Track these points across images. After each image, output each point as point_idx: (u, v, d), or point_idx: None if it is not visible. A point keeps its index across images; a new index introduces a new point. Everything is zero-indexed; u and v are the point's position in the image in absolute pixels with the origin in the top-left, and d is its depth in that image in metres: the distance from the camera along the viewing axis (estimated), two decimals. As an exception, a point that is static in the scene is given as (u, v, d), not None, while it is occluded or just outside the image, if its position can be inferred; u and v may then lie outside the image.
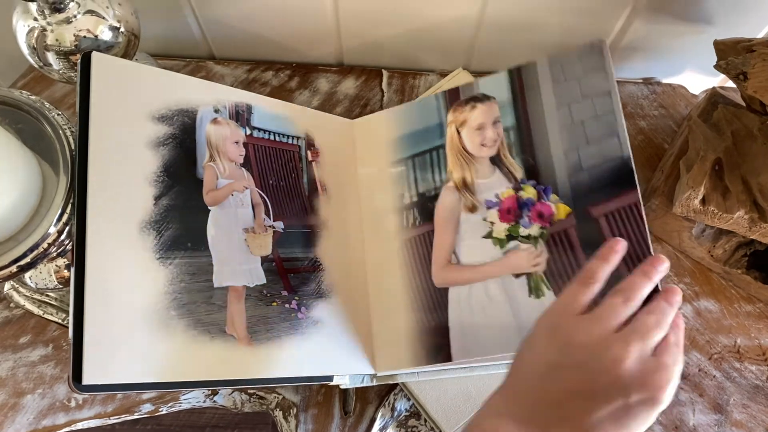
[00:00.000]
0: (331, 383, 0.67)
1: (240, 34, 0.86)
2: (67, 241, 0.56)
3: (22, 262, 0.53)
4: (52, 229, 0.54)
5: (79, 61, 0.56)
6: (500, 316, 0.64)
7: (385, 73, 0.91)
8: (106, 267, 0.54)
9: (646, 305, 0.49)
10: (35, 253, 0.53)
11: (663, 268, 0.51)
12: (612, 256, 0.52)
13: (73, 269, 0.53)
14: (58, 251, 0.56)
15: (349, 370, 0.67)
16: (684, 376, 0.75)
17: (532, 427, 0.44)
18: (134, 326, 0.55)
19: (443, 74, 0.90)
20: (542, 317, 0.50)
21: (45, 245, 0.53)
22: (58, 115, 0.56)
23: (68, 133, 0.56)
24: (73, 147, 0.56)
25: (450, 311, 0.67)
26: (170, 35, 0.87)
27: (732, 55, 0.70)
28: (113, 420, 0.74)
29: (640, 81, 0.93)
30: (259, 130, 0.68)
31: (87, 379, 0.51)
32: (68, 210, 0.54)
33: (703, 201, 0.69)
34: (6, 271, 0.53)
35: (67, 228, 0.55)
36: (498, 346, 0.64)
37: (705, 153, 0.71)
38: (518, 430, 0.44)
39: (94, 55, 0.57)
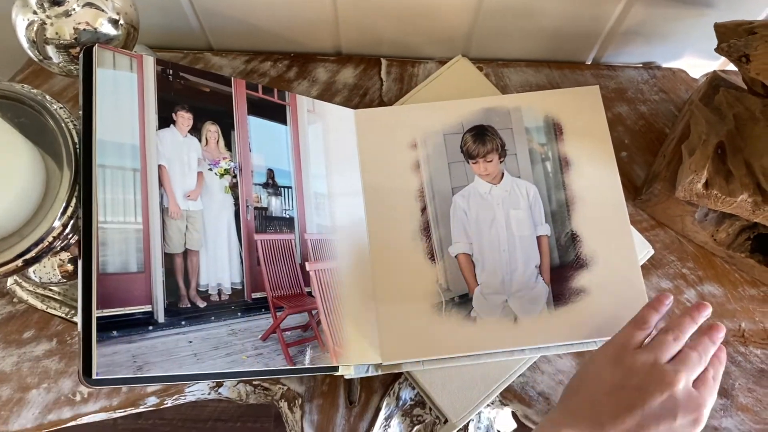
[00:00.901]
0: (336, 374, 0.67)
1: (237, 24, 0.86)
2: (71, 235, 0.56)
3: (27, 257, 0.52)
4: (57, 223, 0.53)
5: (81, 54, 0.55)
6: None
7: (383, 62, 0.91)
8: None
9: (691, 341, 0.60)
10: (40, 247, 0.53)
11: (707, 313, 0.62)
12: (662, 308, 0.63)
13: (80, 263, 0.52)
14: (63, 245, 0.56)
15: (355, 360, 0.67)
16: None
17: None
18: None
19: (442, 62, 0.89)
20: (604, 349, 0.61)
21: (50, 239, 0.53)
22: (60, 108, 0.56)
23: (71, 126, 0.56)
24: (76, 140, 0.56)
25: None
26: (168, 27, 0.86)
27: (733, 37, 0.70)
28: (118, 413, 0.74)
29: (640, 66, 0.92)
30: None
31: (98, 373, 0.50)
32: (72, 203, 0.54)
33: (706, 185, 0.69)
34: (11, 266, 0.52)
35: (72, 222, 0.55)
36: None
37: (707, 137, 0.71)
38: None
39: (97, 48, 0.57)
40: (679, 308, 0.77)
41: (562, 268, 0.73)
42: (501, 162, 0.76)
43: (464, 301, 0.71)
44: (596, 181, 0.75)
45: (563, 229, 0.74)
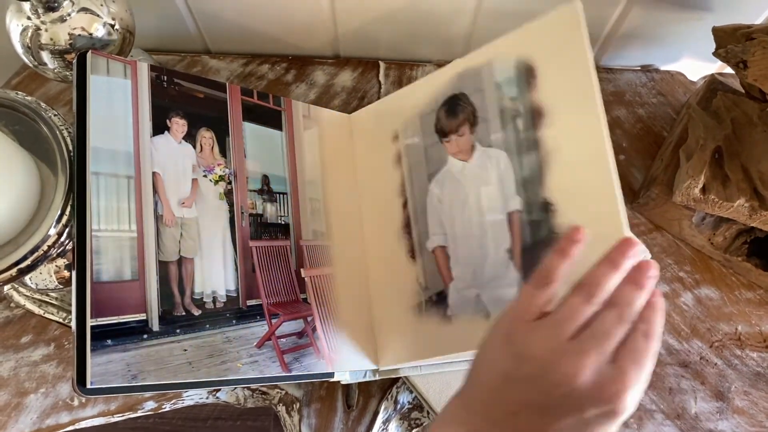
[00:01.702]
0: (332, 380, 0.67)
1: (235, 27, 0.86)
2: (68, 242, 0.56)
3: (22, 265, 0.52)
4: (52, 231, 0.53)
5: (74, 60, 0.55)
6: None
7: (382, 65, 0.90)
8: None
9: (615, 300, 0.45)
10: (35, 255, 0.53)
11: (633, 252, 0.46)
12: (571, 248, 0.47)
13: (74, 271, 0.52)
14: (59, 252, 0.56)
15: (351, 366, 0.67)
16: (685, 365, 0.75)
17: None
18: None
19: (440, 65, 0.89)
20: (497, 323, 0.47)
21: (45, 247, 0.53)
22: (55, 115, 0.56)
23: (65, 133, 0.56)
24: (70, 147, 0.55)
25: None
26: (165, 30, 0.86)
27: (731, 42, 0.70)
28: (116, 418, 0.74)
29: (638, 68, 0.92)
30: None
31: (92, 382, 0.50)
32: (67, 211, 0.54)
33: (704, 190, 0.69)
34: (6, 275, 0.52)
35: (67, 229, 0.55)
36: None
37: (705, 141, 0.71)
38: None
39: (90, 54, 0.57)
40: (676, 311, 0.77)
41: (534, 248, 0.58)
42: (472, 133, 0.65)
43: (441, 299, 0.65)
44: (575, 132, 0.57)
45: (535, 199, 0.59)
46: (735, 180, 0.69)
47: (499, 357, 0.45)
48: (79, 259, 0.53)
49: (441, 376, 0.70)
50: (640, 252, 0.46)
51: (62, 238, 0.55)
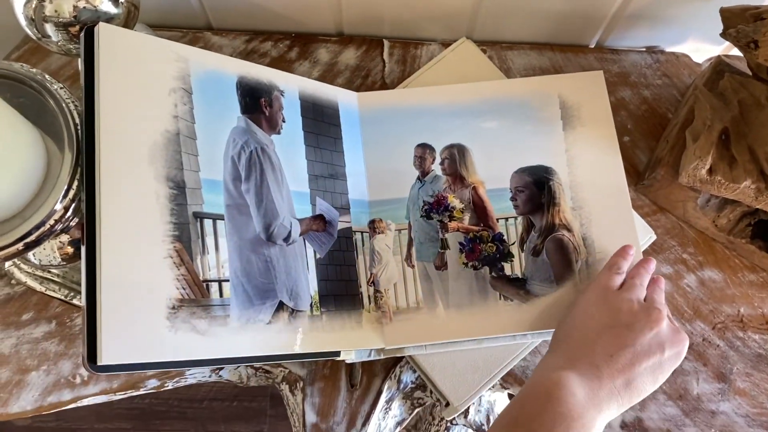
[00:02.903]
0: (338, 359, 0.67)
1: (238, 2, 0.84)
2: (72, 217, 0.55)
3: (28, 240, 0.52)
4: (58, 206, 0.53)
5: (82, 34, 0.54)
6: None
7: (386, 43, 0.90)
8: (122, 246, 0.53)
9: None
10: (41, 230, 0.52)
11: (653, 266, 0.68)
12: (629, 256, 0.68)
13: (84, 248, 0.52)
14: (62, 228, 0.55)
15: (358, 344, 0.67)
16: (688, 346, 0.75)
17: (590, 376, 0.56)
18: (152, 304, 0.54)
19: (445, 44, 0.89)
20: (589, 293, 0.64)
21: (51, 222, 0.53)
22: (61, 88, 0.55)
23: (72, 107, 0.55)
24: (77, 121, 0.55)
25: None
26: (168, 5, 0.85)
27: (740, 22, 0.69)
28: (119, 396, 0.74)
29: (644, 50, 0.92)
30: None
31: (105, 359, 0.50)
32: (74, 186, 0.53)
33: (710, 171, 0.69)
34: (12, 249, 0.52)
35: (73, 205, 0.54)
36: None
37: (712, 123, 0.71)
38: (580, 378, 0.55)
39: (101, 25, 0.56)
40: (679, 292, 0.77)
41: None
42: None
43: None
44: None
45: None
46: (742, 161, 0.68)
47: (596, 314, 0.61)
48: (89, 235, 0.52)
49: (445, 355, 0.70)
50: (654, 265, 0.68)
51: (68, 214, 0.54)
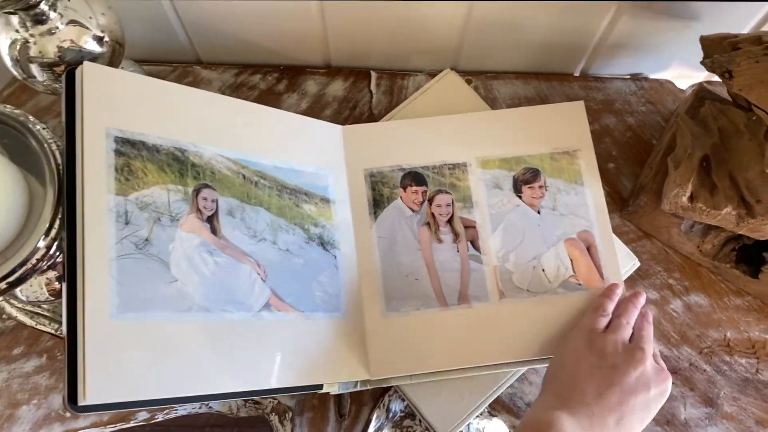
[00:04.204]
0: (320, 392, 0.67)
1: (226, 37, 0.86)
2: (57, 254, 0.56)
3: (11, 279, 0.53)
4: (41, 244, 0.53)
5: (63, 75, 0.55)
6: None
7: (373, 75, 0.91)
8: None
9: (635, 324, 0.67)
10: (24, 268, 0.53)
11: (643, 300, 0.69)
12: (614, 296, 0.70)
13: (65, 285, 0.52)
14: (49, 264, 0.56)
15: (343, 377, 0.67)
16: (675, 371, 0.75)
17: (581, 415, 0.57)
18: (136, 340, 0.55)
19: (432, 74, 0.90)
20: (576, 336, 0.66)
21: (34, 260, 0.53)
22: (43, 128, 0.56)
23: (54, 147, 0.56)
24: (59, 161, 0.56)
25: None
26: (155, 41, 0.87)
27: (718, 51, 0.70)
28: (109, 429, 0.74)
29: (628, 77, 0.93)
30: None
31: (89, 399, 0.50)
32: (56, 224, 0.54)
33: (691, 198, 0.70)
34: (-4, 287, 0.53)
35: (56, 242, 0.55)
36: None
37: (692, 150, 0.71)
38: (571, 417, 0.57)
39: (86, 64, 0.57)
40: (665, 317, 0.78)
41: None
42: None
43: None
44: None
45: None
46: (722, 188, 0.69)
47: (584, 356, 0.63)
48: (69, 272, 0.53)
49: (431, 384, 0.71)
50: (644, 299, 0.70)
51: (51, 251, 0.55)
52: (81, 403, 0.50)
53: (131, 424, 0.75)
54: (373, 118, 0.87)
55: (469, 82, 0.87)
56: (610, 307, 0.68)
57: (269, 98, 0.88)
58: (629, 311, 0.67)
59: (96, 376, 0.51)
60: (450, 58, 0.90)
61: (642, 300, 0.69)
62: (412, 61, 0.91)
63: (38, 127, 0.56)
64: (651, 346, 0.64)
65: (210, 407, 0.78)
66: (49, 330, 0.73)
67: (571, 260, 0.72)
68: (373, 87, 0.90)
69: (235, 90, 0.89)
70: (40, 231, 0.53)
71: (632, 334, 0.65)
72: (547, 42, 0.86)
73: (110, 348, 0.53)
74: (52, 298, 0.66)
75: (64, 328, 0.52)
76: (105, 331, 0.53)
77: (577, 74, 0.94)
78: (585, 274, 0.72)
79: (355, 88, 0.90)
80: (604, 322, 0.66)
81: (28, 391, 0.73)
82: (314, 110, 0.88)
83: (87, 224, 0.54)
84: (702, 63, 0.71)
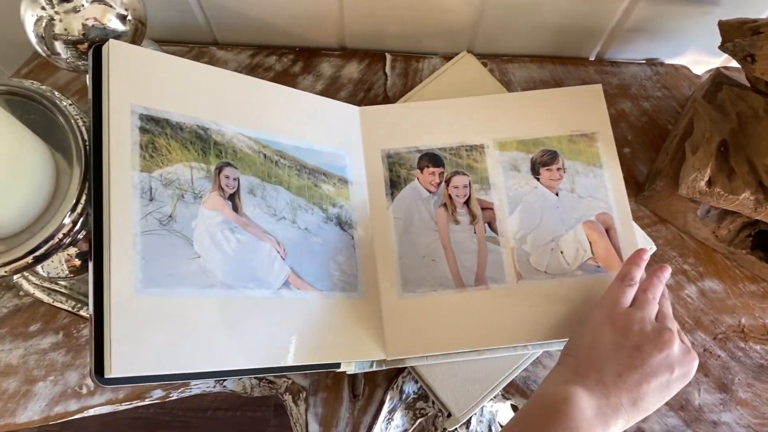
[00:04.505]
0: (338, 370, 0.68)
1: (243, 18, 0.86)
2: (79, 231, 0.56)
3: (37, 253, 0.53)
4: (67, 220, 0.54)
5: (90, 52, 0.55)
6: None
7: (388, 57, 0.91)
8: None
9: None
10: (50, 244, 0.53)
11: (668, 274, 0.67)
12: (642, 263, 0.67)
13: (91, 262, 0.53)
14: (70, 241, 0.56)
15: (359, 356, 0.68)
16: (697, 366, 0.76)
17: (598, 394, 0.56)
18: (160, 315, 0.55)
19: (447, 57, 0.90)
20: (598, 309, 0.63)
21: (60, 236, 0.54)
22: (70, 105, 0.56)
23: (80, 123, 0.56)
24: (85, 137, 0.56)
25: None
26: (173, 20, 0.86)
27: (737, 36, 0.70)
28: (124, 406, 0.74)
29: (644, 62, 0.93)
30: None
31: (114, 372, 0.51)
32: (82, 200, 0.54)
33: (709, 183, 0.70)
34: (22, 263, 0.53)
35: (82, 218, 0.55)
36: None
37: (711, 135, 0.71)
38: (588, 393, 0.56)
39: (111, 42, 0.57)
40: (680, 303, 0.78)
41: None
42: None
43: None
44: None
45: None
46: (740, 173, 0.69)
47: (606, 333, 0.60)
48: (96, 248, 0.53)
49: (447, 366, 0.71)
50: (669, 272, 0.67)
51: (77, 227, 0.55)
52: (107, 375, 0.51)
53: (146, 402, 0.75)
54: (387, 100, 0.87)
55: (484, 65, 0.87)
56: (638, 275, 0.65)
57: (284, 80, 0.88)
58: (655, 285, 0.64)
59: (121, 349, 0.52)
60: (465, 40, 0.90)
61: (667, 274, 0.66)
62: (427, 44, 0.91)
63: (65, 103, 0.56)
64: (675, 324, 0.62)
65: (224, 386, 0.78)
66: (66, 307, 0.74)
67: (590, 242, 0.73)
68: (388, 69, 0.90)
69: (250, 71, 0.88)
70: (66, 207, 0.54)
71: (657, 311, 0.63)
72: (564, 25, 0.86)
73: (135, 322, 0.53)
74: (72, 275, 0.67)
75: (90, 303, 0.52)
76: (130, 306, 0.53)
77: (592, 58, 0.93)
78: (604, 257, 0.72)
79: (370, 71, 0.90)
80: (630, 293, 0.64)
81: (45, 367, 0.73)
82: (329, 92, 0.87)
83: (113, 200, 0.54)
84: (722, 47, 0.71)
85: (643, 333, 0.59)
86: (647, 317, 0.61)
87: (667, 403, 0.71)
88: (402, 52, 0.92)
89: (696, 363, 0.61)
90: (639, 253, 0.68)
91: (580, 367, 0.59)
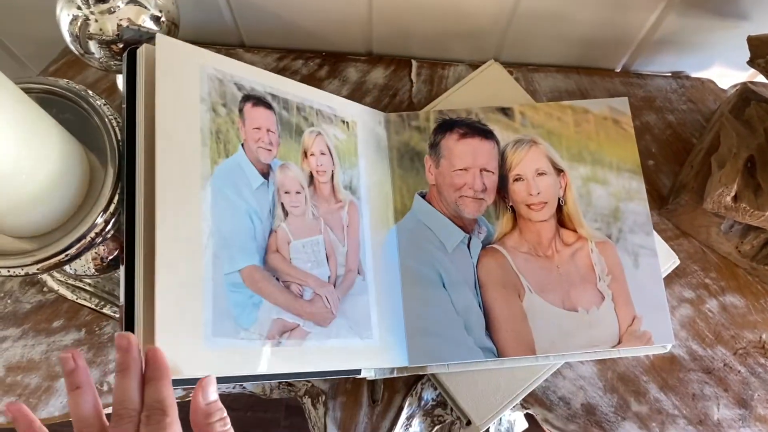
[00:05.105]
0: (359, 376, 0.68)
1: (271, 20, 0.86)
2: (109, 231, 0.57)
3: (69, 252, 0.53)
4: (100, 220, 0.54)
5: (125, 54, 0.56)
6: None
7: (414, 63, 0.91)
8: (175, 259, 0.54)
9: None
10: (82, 242, 0.54)
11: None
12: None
13: (123, 267, 0.53)
14: (101, 240, 0.57)
15: (382, 363, 0.68)
16: (709, 371, 0.76)
17: None
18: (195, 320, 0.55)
19: (472, 65, 0.90)
20: None
21: (92, 235, 0.54)
22: (105, 104, 0.57)
23: (114, 123, 0.56)
24: (120, 137, 0.56)
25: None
26: (201, 21, 0.87)
27: (767, 52, 0.70)
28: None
29: (669, 75, 0.92)
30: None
31: None
32: (115, 200, 0.55)
33: (735, 198, 0.70)
34: (53, 261, 0.53)
35: (114, 218, 0.55)
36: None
37: (738, 150, 0.71)
38: None
39: (159, 37, 0.57)
40: (701, 317, 0.78)
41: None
42: None
43: None
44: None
45: None
46: (767, 189, 0.69)
47: None
48: (128, 250, 0.53)
49: (467, 374, 0.71)
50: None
51: (108, 227, 0.55)
52: None
53: (166, 401, 0.75)
54: (412, 106, 0.88)
55: (510, 73, 0.87)
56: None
57: (310, 83, 0.86)
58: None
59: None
60: (492, 48, 0.90)
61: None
62: (453, 51, 0.91)
63: (99, 102, 0.56)
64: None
65: (243, 387, 0.79)
66: (90, 305, 0.74)
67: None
68: (413, 76, 0.90)
69: (277, 74, 0.88)
70: (99, 206, 0.54)
71: None
72: (592, 36, 0.86)
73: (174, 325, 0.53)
74: (97, 273, 0.67)
75: (121, 297, 0.52)
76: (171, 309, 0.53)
77: (618, 70, 0.93)
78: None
79: (395, 77, 0.90)
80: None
81: (67, 364, 0.74)
82: (354, 97, 0.88)
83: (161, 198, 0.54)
84: (752, 63, 0.71)
85: None
86: None
87: (685, 417, 0.72)
88: (428, 58, 0.92)
89: None
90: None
91: None
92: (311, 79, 0.89)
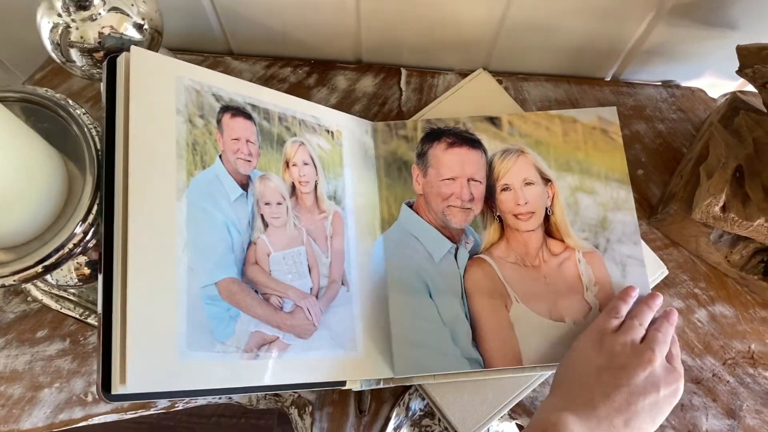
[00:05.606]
0: (343, 388, 0.67)
1: (259, 28, 0.86)
2: (90, 240, 0.56)
3: (47, 262, 0.53)
4: (78, 230, 0.53)
5: (105, 63, 0.55)
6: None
7: (403, 72, 0.91)
8: (147, 275, 0.54)
9: (652, 324, 0.66)
10: (61, 253, 0.53)
11: (659, 302, 0.68)
12: (629, 299, 0.69)
13: (101, 276, 0.52)
14: (81, 250, 0.56)
15: (366, 374, 0.67)
16: (697, 381, 0.75)
17: (588, 417, 0.57)
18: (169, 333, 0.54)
19: (462, 74, 0.90)
20: (586, 336, 0.65)
21: (70, 245, 0.53)
22: (84, 114, 0.56)
23: (94, 132, 0.56)
24: (99, 146, 0.56)
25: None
26: (189, 29, 0.86)
27: (755, 61, 0.70)
28: (129, 415, 0.74)
29: (659, 84, 0.92)
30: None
31: (130, 388, 0.50)
32: (94, 210, 0.54)
33: (724, 208, 0.69)
34: (31, 272, 0.52)
35: (93, 228, 0.55)
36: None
37: (726, 160, 0.71)
38: (577, 418, 0.57)
39: (133, 49, 0.56)
40: (690, 327, 0.77)
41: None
42: None
43: None
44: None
45: None
46: (755, 200, 0.69)
47: (593, 357, 0.63)
48: (106, 261, 0.53)
49: (454, 385, 0.70)
50: (661, 300, 0.69)
51: (88, 237, 0.55)
52: (120, 391, 0.50)
53: (150, 411, 0.75)
54: (402, 115, 0.87)
55: (499, 82, 0.86)
56: (624, 309, 0.67)
57: (299, 92, 0.88)
58: (643, 313, 0.66)
59: (134, 366, 0.51)
60: (481, 57, 0.90)
61: (658, 302, 0.68)
62: (442, 60, 0.91)
63: (78, 111, 0.56)
64: (663, 346, 0.63)
65: (230, 398, 0.78)
66: (74, 315, 0.74)
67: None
68: (403, 84, 0.90)
69: (265, 82, 0.88)
70: (78, 216, 0.53)
71: (645, 335, 0.64)
72: (581, 46, 0.86)
73: (148, 339, 0.53)
74: (80, 283, 0.66)
75: (99, 311, 0.52)
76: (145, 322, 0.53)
77: (608, 79, 0.93)
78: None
79: (384, 85, 0.90)
80: (615, 323, 0.66)
81: (51, 374, 0.73)
82: (343, 105, 0.87)
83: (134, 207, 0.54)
84: (740, 73, 0.71)
85: (625, 353, 0.62)
86: (630, 340, 0.63)
87: (674, 428, 0.71)
88: (417, 67, 0.92)
89: (681, 381, 0.62)
90: (627, 290, 0.69)
91: (570, 393, 0.61)
92: (300, 87, 0.88)
